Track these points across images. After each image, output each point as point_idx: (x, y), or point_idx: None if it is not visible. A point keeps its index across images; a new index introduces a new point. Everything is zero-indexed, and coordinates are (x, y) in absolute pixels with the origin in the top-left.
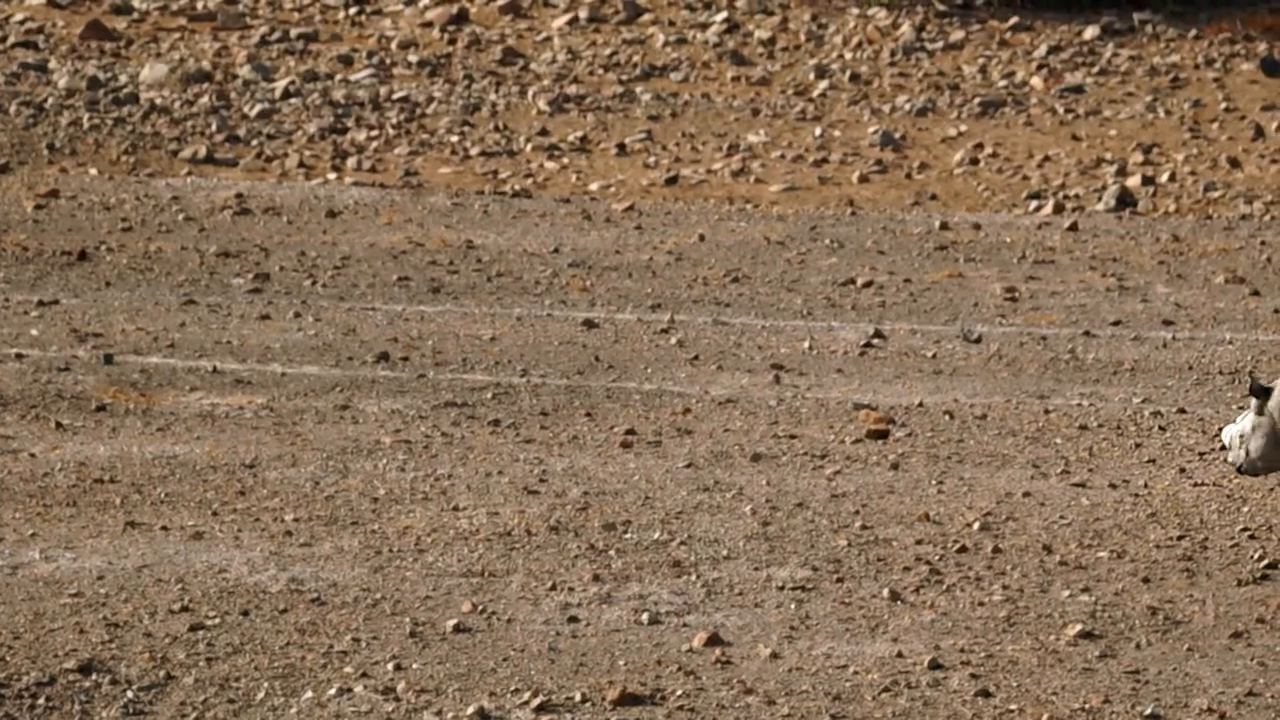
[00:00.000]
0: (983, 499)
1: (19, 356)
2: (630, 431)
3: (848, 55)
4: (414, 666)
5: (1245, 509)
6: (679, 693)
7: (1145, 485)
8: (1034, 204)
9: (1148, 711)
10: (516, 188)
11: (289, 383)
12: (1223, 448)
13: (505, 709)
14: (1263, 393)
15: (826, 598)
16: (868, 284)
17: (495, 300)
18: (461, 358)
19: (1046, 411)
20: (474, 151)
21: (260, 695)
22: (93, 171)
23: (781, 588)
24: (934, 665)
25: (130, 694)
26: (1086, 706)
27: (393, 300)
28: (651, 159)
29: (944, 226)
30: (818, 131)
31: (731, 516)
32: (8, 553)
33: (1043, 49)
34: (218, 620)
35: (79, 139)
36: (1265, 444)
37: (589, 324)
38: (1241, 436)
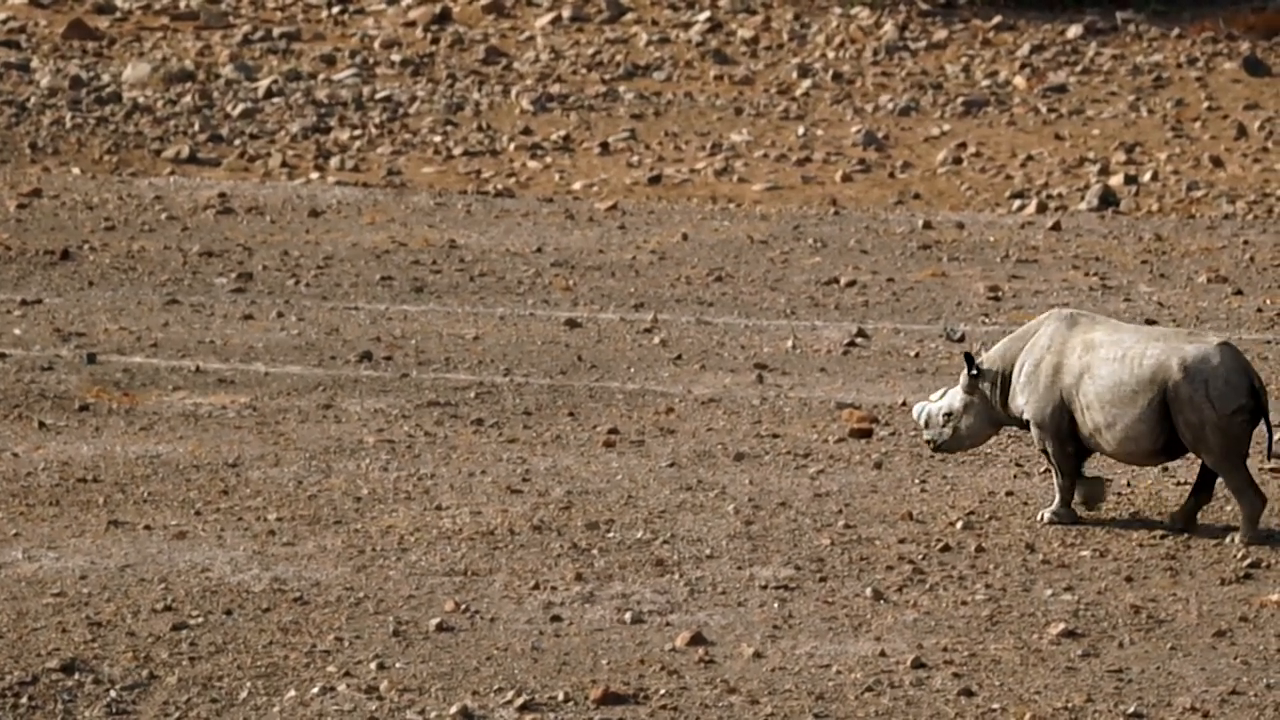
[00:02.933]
0: (966, 498)
1: (2, 356)
2: (613, 431)
3: (830, 54)
4: (397, 665)
5: (1228, 507)
6: (662, 692)
7: (1128, 484)
8: (1017, 203)
9: (1131, 710)
10: (499, 187)
11: (272, 382)
12: (925, 426)
13: (488, 708)
14: (978, 371)
15: (809, 597)
16: (851, 283)
17: (478, 300)
18: (444, 357)
19: None
20: (457, 151)
21: (243, 694)
22: (75, 171)
23: (764, 587)
24: (917, 664)
25: (113, 693)
26: (1069, 705)
27: (376, 300)
28: (634, 158)
29: (927, 225)
30: (801, 130)
31: (714, 516)
32: None
33: (1026, 48)
34: (200, 619)
35: (61, 138)
36: (977, 421)
37: (572, 323)
38: (948, 415)
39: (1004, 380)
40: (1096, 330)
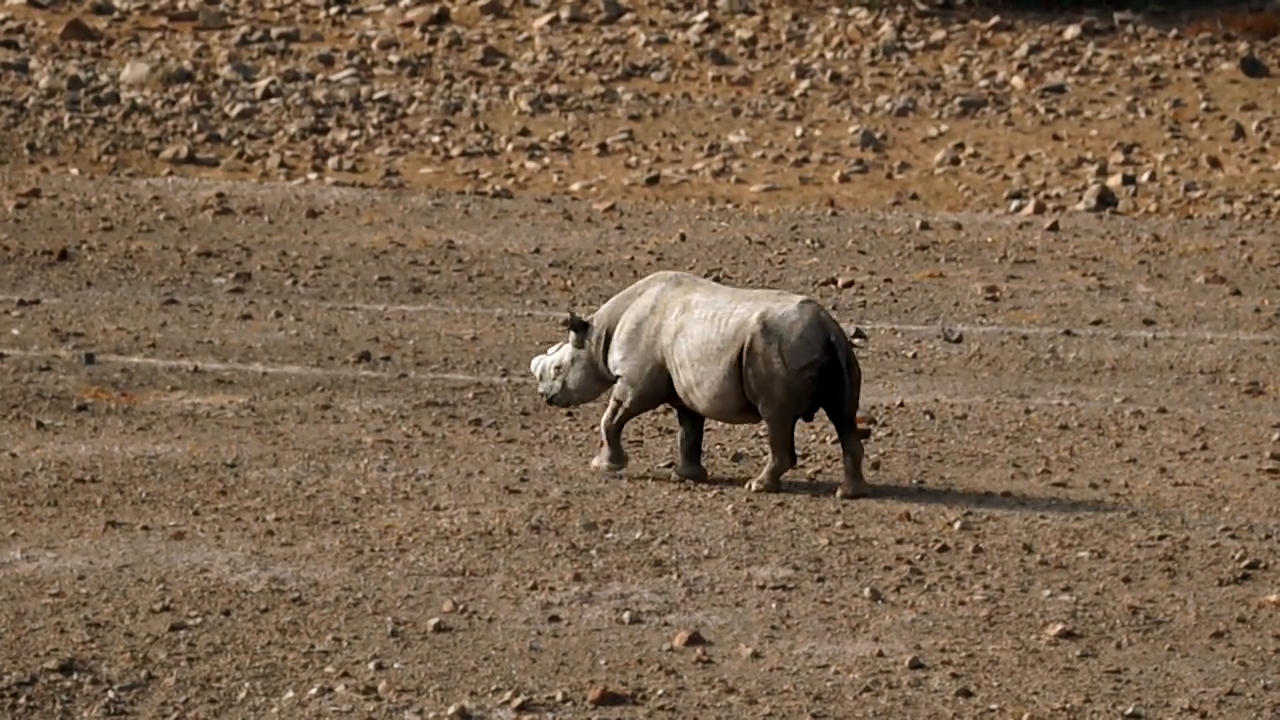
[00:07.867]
0: (963, 498)
1: (0, 356)
2: None
3: (829, 55)
4: (395, 666)
5: (1226, 508)
6: (660, 692)
7: (1126, 485)
8: (1015, 204)
9: (1129, 711)
10: (497, 188)
11: (270, 382)
12: (541, 379)
13: (486, 708)
14: (582, 327)
15: (808, 597)
16: (849, 284)
17: (476, 300)
18: (443, 357)
19: (1027, 411)
20: (455, 151)
21: (241, 695)
22: (74, 171)
23: (762, 587)
24: (915, 665)
25: (111, 694)
26: (1067, 706)
27: (374, 300)
28: (632, 159)
29: (925, 226)
30: (798, 131)
31: (713, 516)
32: None
33: (1024, 49)
34: (199, 620)
35: (60, 139)
36: (584, 376)
37: None
38: (558, 368)
39: (607, 337)
40: (696, 292)
